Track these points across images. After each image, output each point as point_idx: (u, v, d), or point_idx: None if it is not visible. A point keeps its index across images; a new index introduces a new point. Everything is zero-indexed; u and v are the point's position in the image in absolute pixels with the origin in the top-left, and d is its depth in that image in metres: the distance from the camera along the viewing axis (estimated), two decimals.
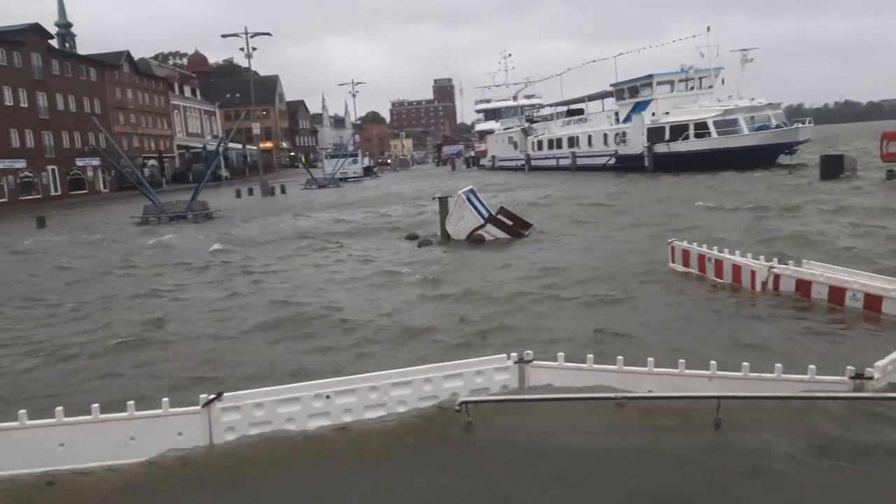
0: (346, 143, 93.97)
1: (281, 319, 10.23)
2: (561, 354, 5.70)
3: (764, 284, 9.57)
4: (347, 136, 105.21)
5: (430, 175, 71.65)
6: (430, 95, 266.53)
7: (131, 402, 5.40)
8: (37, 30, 61.11)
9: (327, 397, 5.62)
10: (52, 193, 60.35)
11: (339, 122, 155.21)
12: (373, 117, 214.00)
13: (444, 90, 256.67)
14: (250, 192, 51.07)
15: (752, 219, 17.76)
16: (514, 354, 5.77)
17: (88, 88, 67.49)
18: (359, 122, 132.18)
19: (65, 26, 75.10)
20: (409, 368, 5.89)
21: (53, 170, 61.28)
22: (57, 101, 62.32)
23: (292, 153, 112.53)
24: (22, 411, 5.29)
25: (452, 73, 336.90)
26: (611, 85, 52.43)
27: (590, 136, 52.98)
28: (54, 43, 66.81)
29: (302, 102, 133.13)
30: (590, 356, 5.65)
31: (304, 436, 5.49)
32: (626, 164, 45.67)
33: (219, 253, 18.94)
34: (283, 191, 52.11)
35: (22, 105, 58.00)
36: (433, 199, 20.99)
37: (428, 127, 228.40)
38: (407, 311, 10.37)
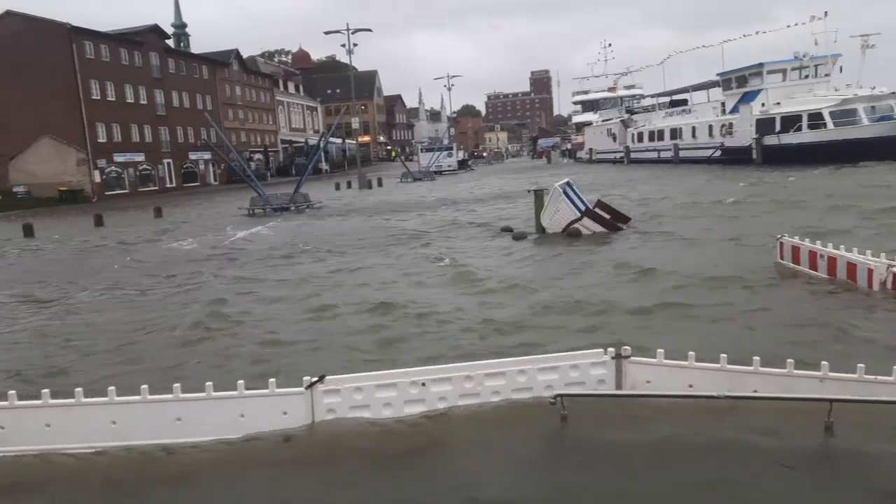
0: (441, 136, 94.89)
1: (376, 309, 10.50)
2: (660, 351, 5.56)
3: (882, 283, 8.95)
4: (443, 130, 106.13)
5: (526, 168, 71.16)
6: (526, 87, 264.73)
7: (241, 382, 5.72)
8: (155, 31, 65.16)
9: (423, 385, 5.73)
10: (168, 185, 64.28)
11: (434, 115, 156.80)
12: (468, 110, 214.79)
13: (541, 82, 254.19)
14: (349, 185, 52.50)
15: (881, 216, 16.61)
16: (611, 349, 5.68)
17: (201, 86, 71.34)
18: (454, 115, 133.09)
19: (180, 27, 79.67)
20: (504, 360, 5.92)
21: (169, 163, 65.24)
22: (172, 98, 66.25)
23: (389, 147, 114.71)
24: (144, 386, 5.72)
25: (549, 65, 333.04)
26: (717, 74, 50.30)
27: (694, 128, 51.07)
28: (170, 43, 71.02)
29: (399, 97, 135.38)
30: (691, 353, 5.48)
31: (399, 421, 5.63)
32: (732, 157, 43.71)
33: (318, 244, 19.59)
34: (379, 184, 53.26)
35: (141, 102, 62.03)
36: (528, 191, 20.87)
37: (523, 119, 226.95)
38: (497, 309, 10.35)
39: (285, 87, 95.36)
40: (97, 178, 55.09)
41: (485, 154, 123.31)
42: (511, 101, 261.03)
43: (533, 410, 5.45)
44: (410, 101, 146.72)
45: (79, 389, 5.69)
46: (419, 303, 10.78)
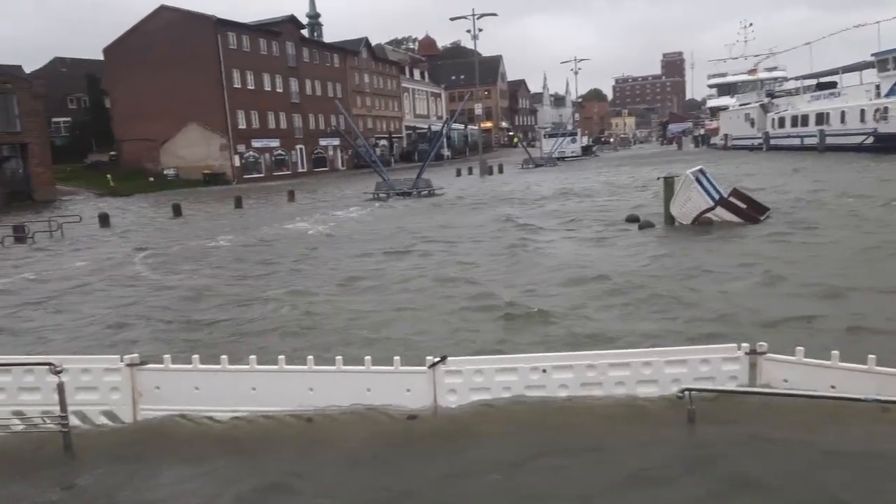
0: (565, 121, 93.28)
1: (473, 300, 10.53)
2: (800, 349, 5.23)
3: None
4: (567, 115, 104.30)
5: (655, 155, 68.51)
6: (656, 70, 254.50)
7: (368, 357, 5.96)
8: (292, 21, 68.36)
9: (544, 371, 5.72)
10: (300, 170, 67.54)
11: (559, 100, 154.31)
12: (595, 95, 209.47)
13: (673, 65, 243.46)
14: (469, 171, 52.89)
15: None
16: (744, 344, 5.41)
17: (332, 74, 74.18)
18: (579, 99, 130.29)
19: (314, 17, 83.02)
20: (630, 350, 5.79)
21: (301, 149, 68.50)
22: (306, 87, 69.36)
23: (511, 133, 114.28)
24: (281, 356, 6.09)
25: (676, 47, 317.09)
26: (872, 55, 46.02)
27: (843, 113, 47.09)
28: (305, 33, 74.25)
29: (522, 82, 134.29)
30: (835, 353, 5.12)
31: (518, 405, 5.66)
32: (887, 144, 39.95)
33: (437, 233, 19.84)
34: (500, 170, 53.27)
35: (277, 90, 65.40)
36: (658, 178, 20.13)
37: (653, 104, 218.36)
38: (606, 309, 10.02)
39: (411, 74, 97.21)
40: (237, 162, 58.82)
41: (611, 140, 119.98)
42: (640, 85, 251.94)
43: (658, 403, 5.30)
44: (534, 86, 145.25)
45: (224, 357, 6.15)
46: (523, 303, 10.16)
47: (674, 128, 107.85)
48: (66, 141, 61.72)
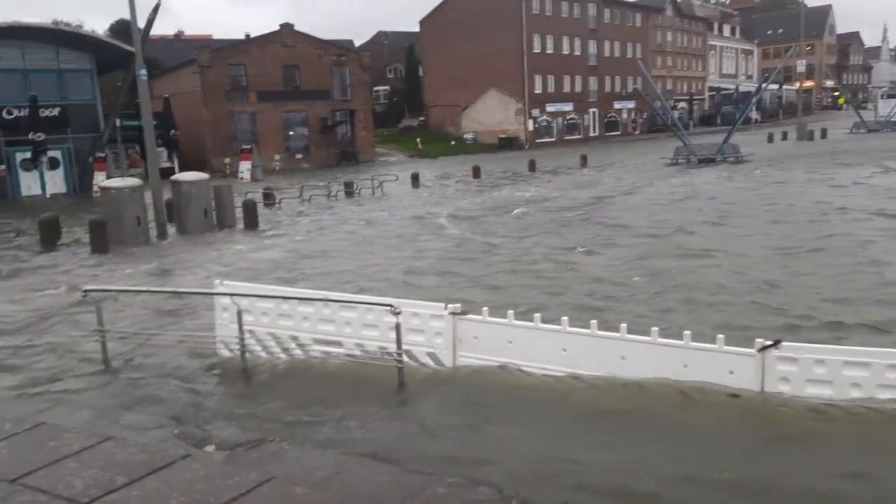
0: None
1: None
2: None
3: None
4: None
5: None
6: None
7: (688, 332, 5.61)
8: None
9: None
10: (591, 134, 66.94)
11: None
12: None
13: None
14: (784, 136, 47.45)
15: None
16: None
17: (632, 34, 71.65)
18: None
19: None
20: None
21: (594, 112, 67.71)
22: (604, 48, 68.06)
23: (837, 93, 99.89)
24: (593, 321, 6.03)
25: None
26: None
27: None
28: None
29: (856, 35, 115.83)
30: None
31: (871, 409, 4.87)
32: None
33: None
34: (822, 135, 46.88)
35: (575, 53, 65.19)
36: None
37: None
38: None
39: (719, 30, 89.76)
40: (530, 126, 60.31)
41: None
42: None
43: None
44: (870, 39, 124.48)
45: (537, 315, 6.29)
46: None
47: None
48: (384, 107, 68.99)
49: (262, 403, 5.96)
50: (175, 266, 13.30)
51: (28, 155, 32.49)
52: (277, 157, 44.41)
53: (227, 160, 40.91)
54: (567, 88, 64.67)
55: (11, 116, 32.17)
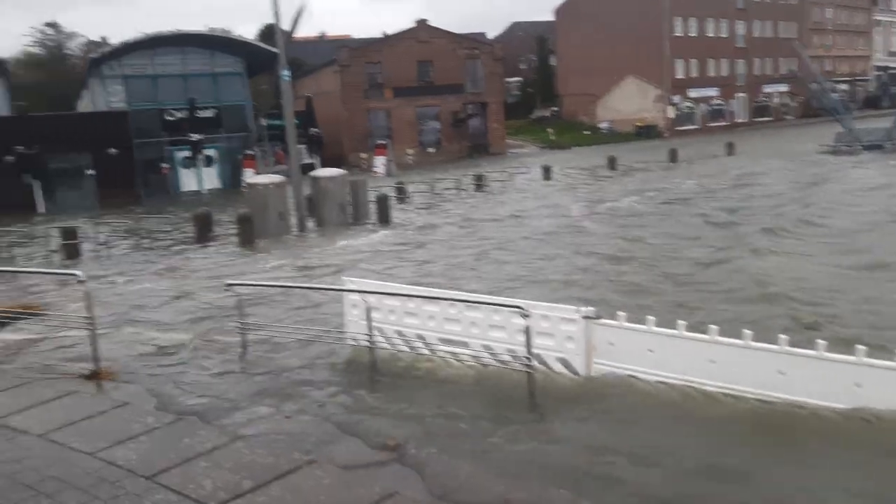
0: None
1: None
2: None
3: None
4: None
5: None
6: None
7: (862, 348, 4.90)
8: None
9: None
10: (738, 120, 62.71)
11: None
12: None
13: None
14: None
15: None
16: None
17: (786, 12, 66.29)
18: None
19: None
20: None
21: (741, 97, 63.38)
22: (754, 29, 63.49)
23: None
24: (747, 331, 5.42)
25: None
26: None
27: None
28: None
29: None
30: None
31: None
32: None
33: None
34: None
35: (721, 35, 61.28)
36: None
37: None
38: None
39: (886, 3, 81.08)
40: (670, 113, 57.48)
41: None
42: None
43: None
44: None
45: (681, 322, 5.75)
46: None
47: None
48: (516, 99, 68.45)
49: (389, 403, 5.89)
50: (312, 259, 13.75)
51: (187, 153, 35.22)
52: (410, 151, 45.30)
53: (364, 156, 42.26)
54: (712, 72, 61.02)
55: (173, 118, 34.99)
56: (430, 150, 47.01)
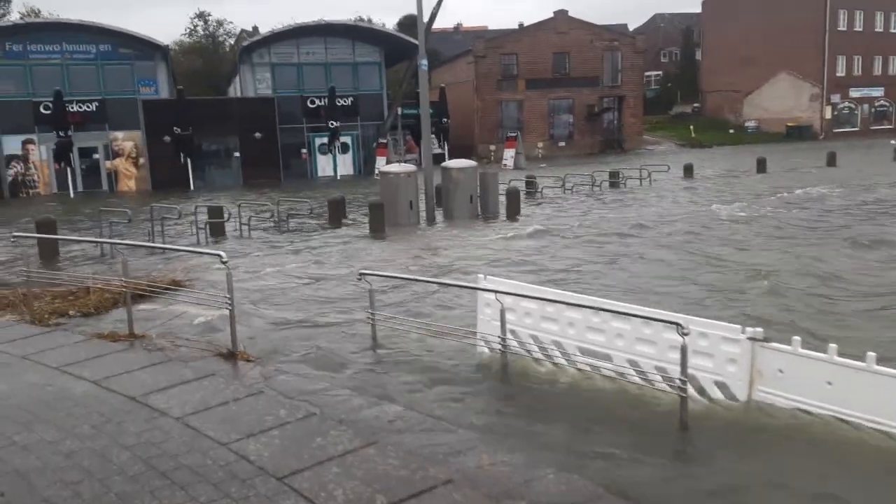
0: None
1: None
2: None
3: None
4: None
5: None
6: None
7: None
8: None
9: None
10: None
11: None
12: None
13: None
14: None
15: None
16: None
17: None
18: None
19: None
20: None
21: None
22: None
23: None
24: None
25: None
26: None
27: None
28: None
29: None
30: None
31: None
32: None
33: None
34: None
35: (891, 30, 55.64)
36: None
37: None
38: None
39: None
40: (828, 114, 52.92)
41: None
42: None
43: None
44: None
45: (871, 354, 4.93)
46: None
47: None
48: (655, 93, 65.61)
49: (525, 417, 5.48)
50: (441, 252, 13.57)
51: (325, 140, 36.46)
52: (540, 144, 44.53)
53: (493, 147, 41.99)
54: (877, 71, 55.61)
55: (314, 106, 36.32)
56: (561, 143, 46.01)
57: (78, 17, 34.62)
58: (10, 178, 32.75)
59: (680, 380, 5.26)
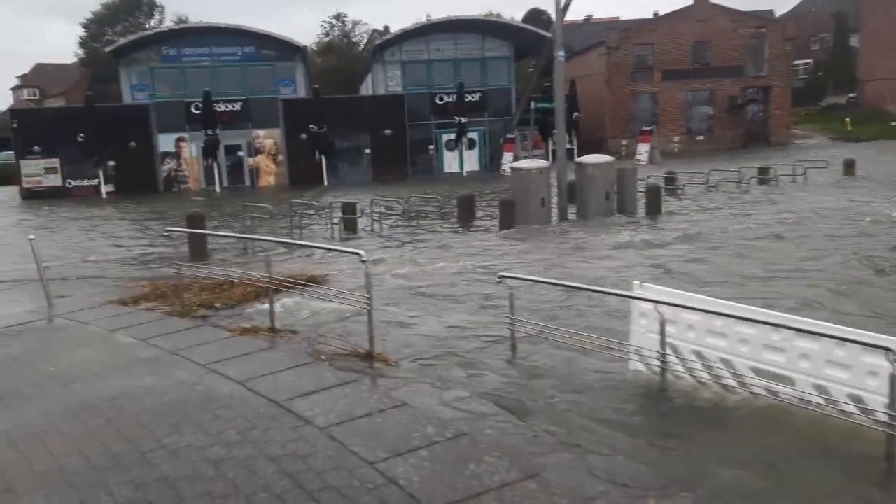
0: None
1: None
2: None
3: None
4: None
5: None
6: None
7: None
8: None
9: None
10: None
11: None
12: None
13: None
14: None
15: None
16: None
17: None
18: None
19: None
20: None
21: None
22: None
23: None
24: None
25: None
26: None
27: None
28: None
29: None
30: None
31: None
32: None
33: None
34: None
35: None
36: None
37: None
38: None
39: None
40: None
41: None
42: None
43: None
44: None
45: None
46: None
47: None
48: (803, 83, 60.72)
49: (691, 454, 4.81)
50: (578, 252, 12.92)
51: (452, 136, 36.52)
52: (676, 138, 42.36)
53: (624, 142, 40.41)
54: None
55: (441, 102, 36.47)
56: (699, 137, 43.55)
57: (224, 21, 36.73)
58: (164, 174, 35.31)
59: (890, 415, 4.42)
